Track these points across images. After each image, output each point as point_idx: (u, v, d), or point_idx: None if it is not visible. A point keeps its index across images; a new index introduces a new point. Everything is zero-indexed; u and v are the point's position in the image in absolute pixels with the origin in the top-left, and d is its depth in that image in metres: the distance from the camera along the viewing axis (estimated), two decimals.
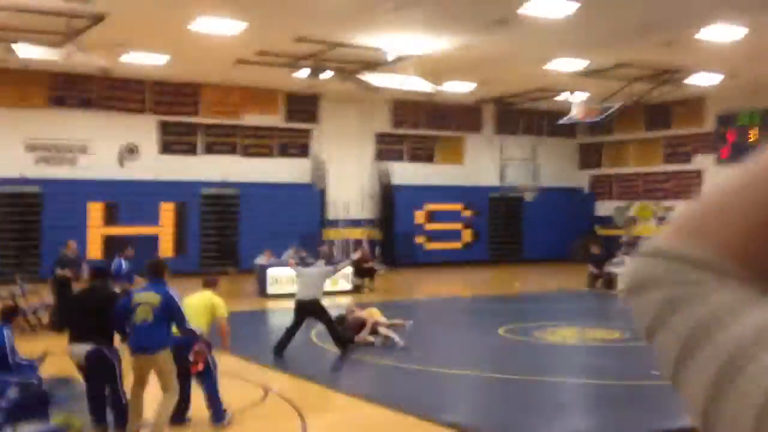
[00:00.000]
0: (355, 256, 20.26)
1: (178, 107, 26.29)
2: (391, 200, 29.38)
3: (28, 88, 24.00)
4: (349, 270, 21.17)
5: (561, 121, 26.52)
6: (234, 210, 26.77)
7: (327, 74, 21.88)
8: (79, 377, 8.18)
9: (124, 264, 13.60)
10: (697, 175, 30.15)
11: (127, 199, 24.83)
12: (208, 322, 8.41)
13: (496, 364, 11.84)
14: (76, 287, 13.88)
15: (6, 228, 23.58)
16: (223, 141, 27.18)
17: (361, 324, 13.03)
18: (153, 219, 25.33)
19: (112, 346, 7.90)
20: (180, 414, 8.16)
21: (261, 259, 21.00)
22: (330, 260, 21.93)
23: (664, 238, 0.81)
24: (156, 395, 7.85)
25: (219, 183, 26.52)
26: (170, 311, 7.66)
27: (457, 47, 19.52)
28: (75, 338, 7.88)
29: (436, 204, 29.91)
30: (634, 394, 9.74)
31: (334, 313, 12.86)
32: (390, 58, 20.11)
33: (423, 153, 30.78)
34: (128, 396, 7.89)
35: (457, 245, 30.43)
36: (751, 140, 27.85)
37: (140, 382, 7.89)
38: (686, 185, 30.46)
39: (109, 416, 7.87)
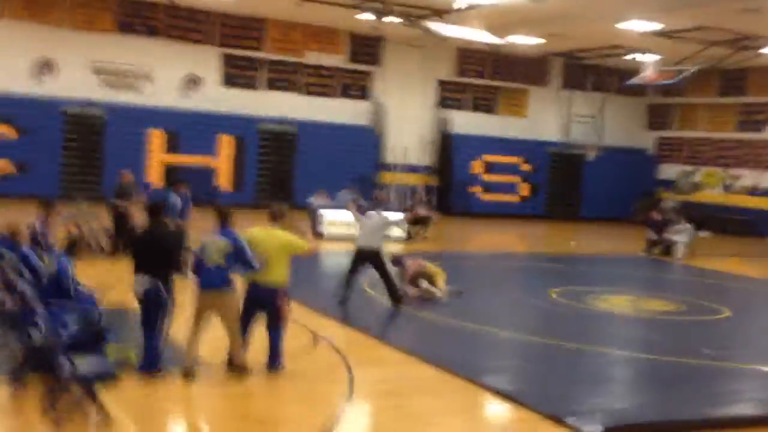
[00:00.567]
0: (408, 214, 19.99)
1: (242, 41, 26.24)
2: (450, 149, 29.11)
3: (97, 12, 24.20)
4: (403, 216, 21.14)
5: (630, 82, 25.75)
6: (291, 147, 26.82)
7: (391, 19, 21.51)
8: (135, 308, 8.32)
9: (177, 199, 13.70)
10: None
11: (188, 129, 25.07)
12: (286, 264, 8.36)
13: (544, 328, 11.75)
14: (135, 218, 14.14)
15: (71, 147, 24.03)
16: (285, 78, 27.10)
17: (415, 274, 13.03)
18: (212, 150, 25.55)
19: (168, 284, 8.03)
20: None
21: (314, 199, 21.02)
22: (385, 205, 21.93)
23: None
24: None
25: (278, 119, 26.55)
26: (239, 255, 8.01)
27: None
28: (138, 271, 8.05)
29: (494, 155, 29.55)
30: (683, 375, 9.58)
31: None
32: (458, 5, 19.61)
33: (485, 103, 30.31)
34: (187, 334, 8.18)
35: (513, 198, 30.13)
36: None
37: (201, 321, 8.16)
38: (756, 154, 29.55)
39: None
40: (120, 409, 6.95)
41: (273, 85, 26.96)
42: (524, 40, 25.02)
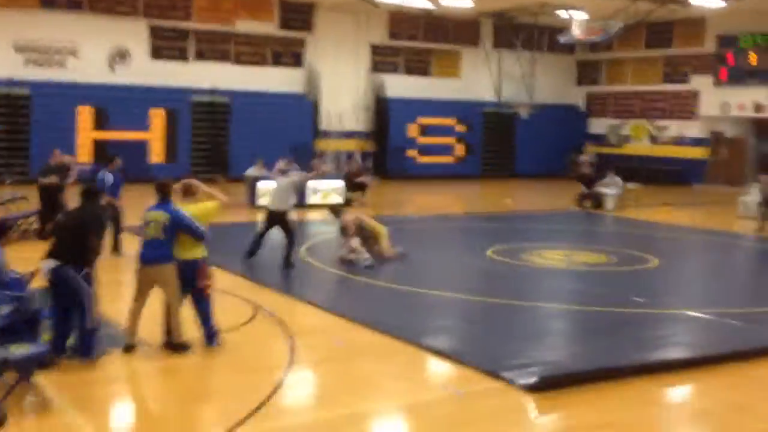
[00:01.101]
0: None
1: (170, 11, 25.73)
2: (385, 113, 29.16)
3: None
4: (340, 183, 21.21)
5: (560, 40, 26.14)
6: (225, 118, 26.54)
7: None
8: None
9: (109, 177, 13.32)
10: (694, 95, 29.96)
11: (117, 104, 24.59)
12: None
13: (482, 288, 12.00)
14: (66, 199, 13.88)
15: None
16: (215, 48, 26.70)
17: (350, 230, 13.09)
18: (143, 125, 25.13)
19: (82, 268, 7.77)
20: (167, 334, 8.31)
21: (253, 170, 20.91)
22: (320, 173, 21.92)
23: None
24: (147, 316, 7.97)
25: (210, 90, 26.20)
26: (180, 225, 8.06)
27: None
28: (48, 254, 7.91)
29: (429, 118, 29.72)
30: (616, 323, 9.92)
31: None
32: None
33: (419, 66, 30.38)
34: (129, 309, 8.18)
35: (449, 159, 30.40)
36: (750, 63, 27.54)
37: (141, 297, 8.18)
38: (683, 105, 30.31)
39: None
40: (58, 393, 6.92)
41: (203, 55, 26.57)
42: (456, 2, 25.07)
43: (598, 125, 33.04)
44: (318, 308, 10.34)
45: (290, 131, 26.26)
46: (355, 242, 12.96)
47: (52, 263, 7.78)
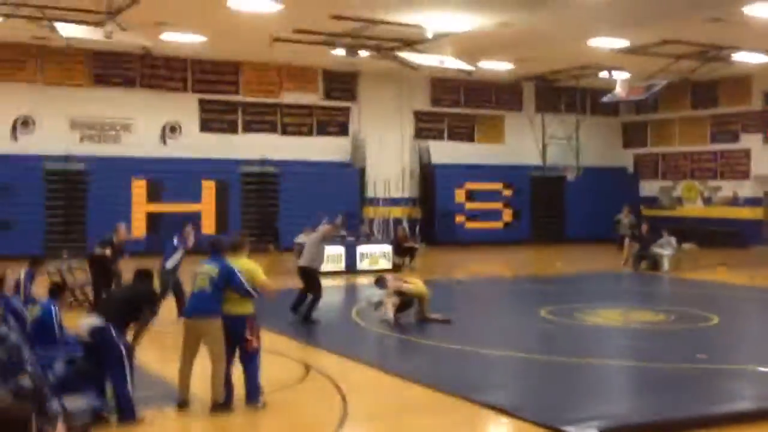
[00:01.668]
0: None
1: (218, 86, 26.44)
2: (431, 179, 29.28)
3: (72, 67, 24.33)
4: (388, 248, 21.20)
5: (603, 100, 26.11)
6: (274, 188, 26.88)
7: (364, 53, 21.80)
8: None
9: (177, 244, 13.59)
10: (745, 154, 29.54)
11: (170, 177, 25.10)
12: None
13: (537, 346, 11.75)
14: (119, 267, 14.01)
15: (53, 205, 23.96)
16: (263, 119, 27.27)
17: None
18: (195, 196, 25.56)
19: (123, 331, 7.78)
20: (229, 397, 8.22)
21: (301, 238, 21.00)
22: (369, 238, 22.00)
23: None
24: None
25: (258, 161, 26.65)
26: (230, 281, 8.04)
27: (496, 24, 19.24)
28: (90, 312, 7.98)
29: (476, 183, 29.74)
30: (679, 378, 9.59)
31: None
32: (428, 35, 19.88)
33: (462, 132, 30.57)
34: (178, 366, 8.15)
35: (497, 225, 30.24)
36: None
37: (189, 353, 8.12)
38: (733, 164, 29.87)
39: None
40: None
41: (251, 127, 27.11)
42: (495, 66, 25.34)
43: (648, 187, 32.67)
44: (369, 366, 10.20)
45: (338, 199, 26.40)
46: (390, 302, 12.85)
47: (96, 320, 7.80)
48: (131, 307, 7.98)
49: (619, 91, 24.53)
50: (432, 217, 29.04)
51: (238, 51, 24.72)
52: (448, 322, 12.95)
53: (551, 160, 31.10)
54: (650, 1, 17.12)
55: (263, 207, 26.76)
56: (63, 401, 6.69)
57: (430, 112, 29.86)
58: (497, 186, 30.25)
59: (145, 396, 8.00)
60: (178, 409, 7.94)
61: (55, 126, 24.18)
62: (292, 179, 26.75)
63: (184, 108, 26.04)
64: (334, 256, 19.90)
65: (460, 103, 30.18)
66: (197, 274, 8.18)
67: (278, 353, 10.39)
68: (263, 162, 26.68)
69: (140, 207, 24.76)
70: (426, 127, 29.87)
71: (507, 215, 30.46)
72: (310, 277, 13.30)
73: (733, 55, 23.48)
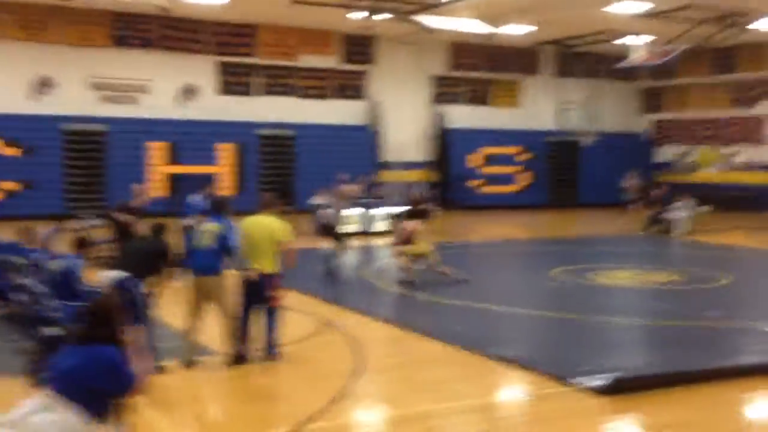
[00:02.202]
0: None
1: (236, 48, 26.49)
2: (447, 143, 29.34)
3: (92, 28, 24.45)
4: (403, 210, 21.33)
5: (620, 65, 25.98)
6: (290, 151, 27.05)
7: (383, 16, 21.75)
8: None
9: (198, 201, 14.06)
10: (762, 120, 29.38)
11: (187, 139, 25.30)
12: (274, 251, 8.37)
13: (549, 304, 11.94)
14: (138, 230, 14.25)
15: (72, 165, 24.25)
16: (280, 82, 27.34)
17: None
18: (212, 159, 25.78)
19: (142, 283, 7.99)
20: (243, 349, 8.49)
21: (317, 199, 21.19)
22: (383, 201, 22.17)
23: None
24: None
25: (275, 124, 26.78)
26: (225, 239, 8.27)
27: None
28: (110, 267, 8.21)
29: (492, 147, 29.78)
30: (689, 335, 9.77)
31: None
32: None
33: (479, 96, 30.53)
34: (185, 324, 8.35)
35: (512, 189, 30.33)
36: None
37: (196, 308, 8.30)
38: (750, 131, 29.72)
39: None
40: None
41: (269, 90, 27.20)
42: (515, 29, 25.22)
43: (664, 153, 32.59)
44: (384, 323, 10.44)
45: (354, 163, 26.56)
46: (403, 261, 13.07)
47: (117, 274, 8.04)
48: (149, 260, 8.20)
49: (637, 56, 24.39)
50: (448, 181, 29.15)
51: (256, 13, 24.75)
52: (464, 282, 13.15)
53: (568, 125, 31.04)
54: None
55: (280, 169, 26.96)
56: None
57: (448, 77, 29.82)
58: (513, 150, 30.27)
59: (168, 348, 8.26)
60: (185, 367, 8.14)
61: (75, 87, 24.39)
62: (308, 142, 26.90)
63: (202, 70, 26.15)
64: (350, 218, 20.08)
65: (477, 68, 30.10)
66: (201, 232, 8.39)
67: (298, 310, 10.64)
68: (280, 125, 26.81)
69: (159, 168, 25.02)
70: (443, 91, 29.85)
71: (523, 179, 30.53)
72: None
73: (752, 22, 23.27)
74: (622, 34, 25.86)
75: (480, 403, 7.19)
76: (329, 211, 14.19)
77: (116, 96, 25.14)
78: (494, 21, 22.50)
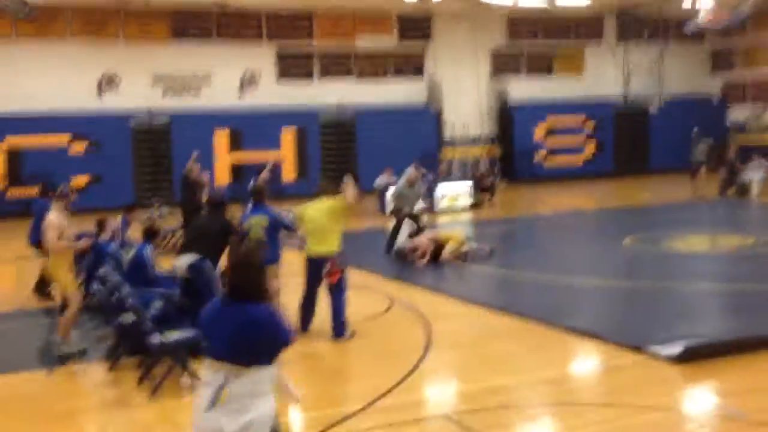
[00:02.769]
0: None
1: (294, 33, 26.58)
2: (509, 116, 28.94)
3: (152, 22, 24.84)
4: (467, 186, 21.19)
5: (688, 28, 25.06)
6: (351, 133, 27.07)
7: None
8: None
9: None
10: None
11: (250, 127, 25.56)
12: (337, 231, 8.52)
13: (621, 273, 11.67)
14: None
15: (140, 158, 24.76)
16: (338, 65, 27.34)
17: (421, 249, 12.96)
18: (275, 144, 25.99)
19: (216, 264, 8.17)
20: (305, 324, 8.59)
21: (381, 179, 21.22)
22: (449, 177, 22.03)
23: None
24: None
25: (335, 107, 26.82)
26: (279, 225, 8.70)
27: None
28: (181, 252, 8.38)
29: (556, 117, 29.25)
30: (764, 300, 9.42)
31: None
32: None
33: (541, 66, 29.97)
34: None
35: (579, 159, 29.78)
36: None
37: None
38: None
39: None
40: None
41: (327, 74, 27.24)
42: (573, 2, 24.58)
43: (736, 114, 31.50)
44: (454, 298, 10.35)
45: (415, 142, 26.46)
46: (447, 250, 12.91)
47: (190, 257, 8.18)
48: (215, 240, 8.30)
49: (703, 17, 23.54)
50: (511, 155, 28.79)
51: None
52: (493, 251, 13.00)
53: (634, 91, 30.27)
54: None
55: (342, 152, 27.01)
56: (162, 336, 7.05)
57: (507, 49, 29.34)
58: (578, 120, 29.69)
59: None
60: None
61: (138, 82, 24.85)
62: (369, 123, 26.86)
63: (261, 58, 26.33)
64: (416, 197, 19.99)
65: (537, 38, 29.55)
66: (253, 225, 8.64)
67: (366, 288, 10.65)
68: (340, 108, 26.85)
69: (223, 156, 25.36)
70: (503, 64, 29.40)
71: (589, 149, 29.93)
72: (398, 221, 13.86)
73: None
74: None
75: (554, 375, 7.06)
76: (395, 192, 14.09)
77: (179, 88, 25.53)
78: None
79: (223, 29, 25.70)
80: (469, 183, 21.40)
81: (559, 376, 7.06)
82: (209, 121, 25.20)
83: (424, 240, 13.03)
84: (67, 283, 8.40)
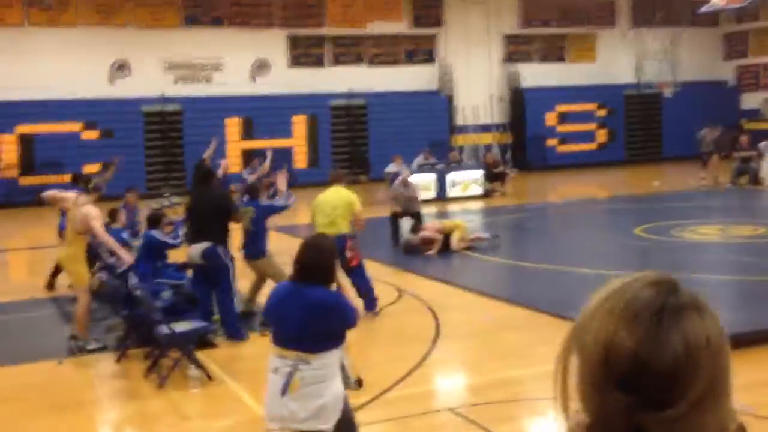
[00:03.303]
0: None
1: (305, 20, 26.50)
2: (521, 103, 28.78)
3: (163, 8, 24.82)
4: (479, 174, 21.12)
5: (702, 10, 24.85)
6: (363, 120, 27.02)
7: None
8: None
9: (245, 175, 14.63)
10: None
11: (261, 114, 25.54)
12: (348, 218, 8.85)
13: (632, 263, 11.60)
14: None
15: (152, 145, 24.81)
16: (350, 52, 27.26)
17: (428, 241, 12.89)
18: (286, 132, 25.98)
19: (225, 247, 8.36)
20: None
21: (391, 167, 21.16)
22: (460, 165, 21.95)
23: None
24: None
25: (347, 94, 26.75)
26: (267, 214, 9.11)
27: None
28: (191, 240, 8.46)
29: (568, 105, 29.06)
30: None
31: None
32: None
33: (553, 52, 29.77)
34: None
35: (591, 146, 29.61)
36: None
37: (258, 279, 9.14)
38: None
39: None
40: (216, 367, 7.27)
41: (339, 60, 27.16)
42: None
43: (750, 100, 31.21)
44: (462, 288, 10.34)
45: (427, 128, 26.39)
46: (454, 240, 12.85)
47: (203, 245, 8.21)
48: (217, 220, 8.38)
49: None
50: (523, 142, 28.65)
51: None
52: (496, 238, 13.03)
53: (647, 76, 30.00)
54: None
55: (353, 139, 26.98)
56: (171, 326, 7.08)
57: (519, 34, 29.16)
58: (590, 107, 29.50)
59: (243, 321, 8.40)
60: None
61: (150, 68, 24.85)
62: (380, 110, 26.79)
63: (272, 44, 26.27)
64: (425, 183, 19.95)
65: (550, 23, 29.33)
66: (243, 213, 8.98)
67: (375, 279, 10.62)
68: (351, 94, 26.78)
69: (235, 144, 25.36)
70: (515, 49, 29.23)
71: (601, 136, 29.76)
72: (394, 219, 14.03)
73: None
74: None
75: None
76: (402, 189, 13.96)
77: (190, 75, 25.53)
78: None
79: (234, 16, 25.65)
80: (480, 171, 21.31)
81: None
82: (220, 108, 25.18)
83: (431, 230, 13.01)
84: (80, 275, 8.40)
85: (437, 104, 27.63)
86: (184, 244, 8.74)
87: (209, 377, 6.93)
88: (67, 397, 6.82)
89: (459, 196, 20.23)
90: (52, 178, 20.86)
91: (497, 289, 10.01)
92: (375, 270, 11.33)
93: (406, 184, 14.08)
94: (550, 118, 29.00)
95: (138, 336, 7.82)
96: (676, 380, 1.15)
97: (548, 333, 8.10)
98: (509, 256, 12.27)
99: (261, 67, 26.34)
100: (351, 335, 8.14)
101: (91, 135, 23.95)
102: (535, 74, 28.92)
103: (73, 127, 23.73)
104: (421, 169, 20.48)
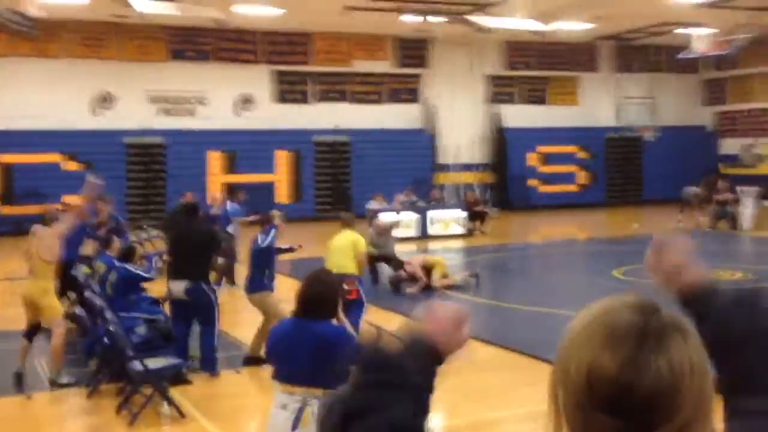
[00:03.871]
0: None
1: (291, 56, 26.68)
2: (504, 143, 29.01)
3: (150, 43, 24.91)
4: (460, 213, 21.18)
5: (682, 55, 25.30)
6: (346, 157, 27.10)
7: (438, 18, 21.64)
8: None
9: (235, 208, 14.38)
10: None
11: (244, 148, 25.55)
12: (353, 258, 9.13)
13: None
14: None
15: (133, 177, 24.71)
16: (334, 89, 27.42)
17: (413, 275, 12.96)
18: (269, 167, 25.99)
19: (209, 283, 8.34)
20: None
21: (372, 204, 21.20)
22: (441, 204, 22.02)
23: None
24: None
25: (331, 131, 26.85)
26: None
27: None
28: (173, 275, 8.32)
29: (549, 146, 29.32)
30: None
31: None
32: None
33: (535, 94, 30.11)
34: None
35: (572, 188, 29.83)
36: None
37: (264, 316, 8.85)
38: None
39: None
40: (190, 405, 7.17)
41: (323, 96, 27.31)
42: (571, 26, 24.75)
43: (729, 146, 31.63)
44: None
45: (410, 166, 26.51)
46: (436, 276, 12.96)
47: (186, 283, 8.15)
48: (199, 255, 8.36)
49: (699, 46, 23.72)
50: (505, 182, 28.83)
51: (310, 21, 24.82)
52: (476, 278, 13.11)
53: (627, 120, 30.40)
54: None
55: (336, 176, 27.02)
56: (144, 362, 6.98)
57: (503, 76, 29.49)
58: (572, 149, 29.78)
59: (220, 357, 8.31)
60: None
61: (133, 101, 24.86)
62: (364, 147, 26.90)
63: (257, 79, 26.39)
64: (406, 221, 19.99)
65: (533, 66, 29.70)
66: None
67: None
68: (335, 131, 26.89)
69: (217, 178, 25.32)
70: (499, 91, 29.54)
71: (582, 178, 30.01)
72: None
73: None
74: (683, 25, 25.19)
75: (542, 408, 6.97)
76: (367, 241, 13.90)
77: (174, 108, 25.57)
78: (549, 18, 22.13)
79: (220, 50, 25.78)
80: (461, 210, 21.38)
81: (544, 409, 6.98)
82: (203, 141, 25.20)
83: (415, 264, 13.07)
84: (53, 308, 8.22)
85: (421, 142, 27.79)
86: (158, 277, 8.68)
87: (182, 415, 6.83)
88: None
89: (440, 234, 20.26)
90: (32, 208, 20.69)
91: (476, 330, 9.89)
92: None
93: (381, 233, 13.93)
94: (532, 159, 29.23)
95: (111, 371, 7.70)
96: (662, 403, 1.13)
97: (527, 374, 8.07)
98: (489, 296, 12.26)
99: (245, 101, 26.43)
100: None
101: (73, 166, 23.83)
102: (518, 115, 29.21)
103: (53, 158, 23.61)
104: (402, 206, 20.53)
